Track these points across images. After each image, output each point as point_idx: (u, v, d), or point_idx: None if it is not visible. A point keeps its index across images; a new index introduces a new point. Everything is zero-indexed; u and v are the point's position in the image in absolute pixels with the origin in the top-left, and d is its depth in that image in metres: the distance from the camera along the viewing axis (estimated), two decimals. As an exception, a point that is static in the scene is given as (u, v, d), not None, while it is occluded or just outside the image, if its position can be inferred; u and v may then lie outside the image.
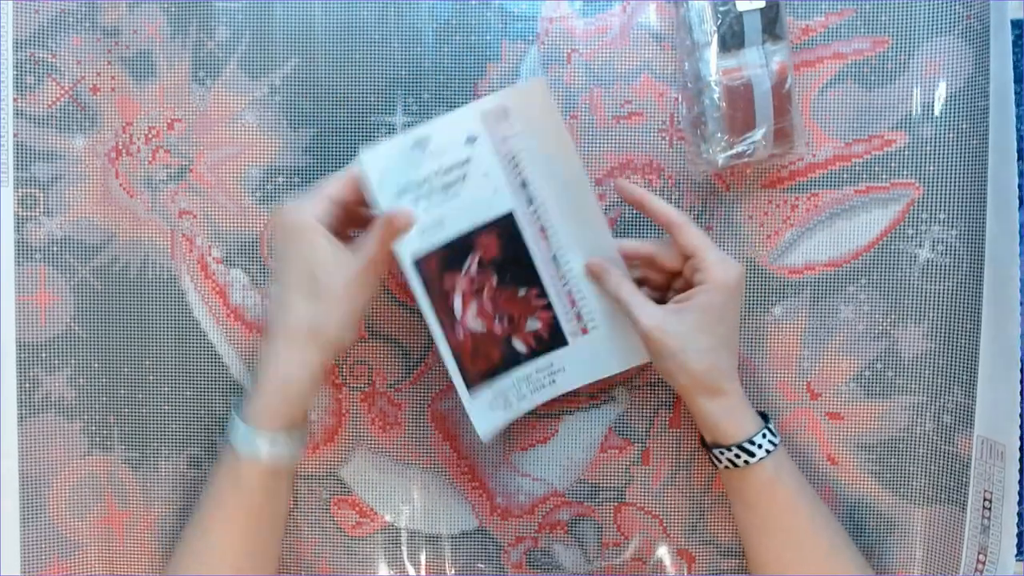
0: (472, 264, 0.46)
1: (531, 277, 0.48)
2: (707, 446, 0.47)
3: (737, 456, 0.45)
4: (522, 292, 0.48)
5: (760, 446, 0.45)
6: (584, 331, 0.49)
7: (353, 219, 0.46)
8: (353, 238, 0.45)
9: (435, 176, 0.44)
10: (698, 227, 0.45)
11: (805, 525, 0.46)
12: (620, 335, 0.48)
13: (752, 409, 0.46)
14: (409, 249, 0.44)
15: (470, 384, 0.47)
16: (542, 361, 0.49)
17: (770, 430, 0.45)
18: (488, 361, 0.48)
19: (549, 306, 0.48)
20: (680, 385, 0.45)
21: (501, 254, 0.47)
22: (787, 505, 0.46)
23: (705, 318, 0.44)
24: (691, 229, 0.45)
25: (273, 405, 0.44)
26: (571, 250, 0.47)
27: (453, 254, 0.46)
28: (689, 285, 0.46)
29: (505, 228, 0.47)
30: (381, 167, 0.43)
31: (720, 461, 0.46)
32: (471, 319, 0.47)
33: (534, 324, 0.48)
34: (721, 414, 0.45)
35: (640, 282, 0.48)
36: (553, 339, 0.49)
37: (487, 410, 0.48)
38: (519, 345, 0.48)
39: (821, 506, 0.47)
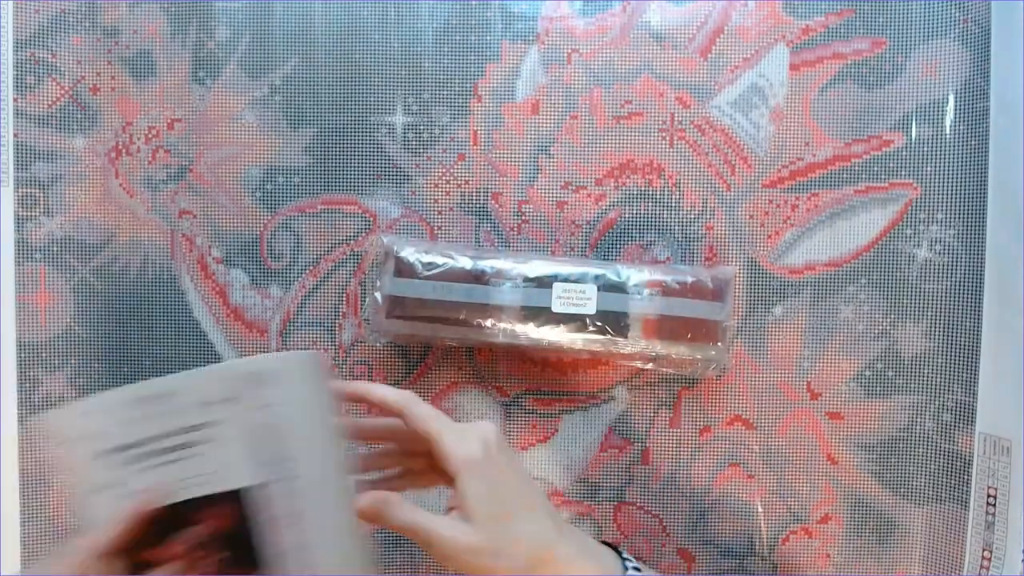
0: (190, 536, 0.37)
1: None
2: None
3: None
4: None
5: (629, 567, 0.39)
6: None
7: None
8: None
9: (161, 437, 0.36)
10: (426, 405, 0.39)
11: None
12: None
13: (596, 543, 0.40)
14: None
15: None
16: None
17: (622, 556, 0.40)
18: None
19: None
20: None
21: (234, 531, 0.38)
22: None
23: (488, 507, 0.37)
24: (417, 410, 0.39)
25: None
26: (322, 546, 0.38)
27: (160, 526, 0.37)
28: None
29: (237, 504, 0.37)
30: (87, 428, 0.35)
31: None
32: None
33: None
34: (572, 564, 0.38)
35: (404, 475, 0.43)
36: None
37: None
38: None
39: None
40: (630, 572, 0.39)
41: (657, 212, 0.51)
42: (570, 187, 0.51)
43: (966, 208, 0.49)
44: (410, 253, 0.48)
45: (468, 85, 0.51)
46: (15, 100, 0.50)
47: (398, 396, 0.39)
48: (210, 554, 0.37)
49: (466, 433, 0.39)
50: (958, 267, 0.50)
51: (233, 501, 0.37)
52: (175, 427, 0.36)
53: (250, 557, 0.38)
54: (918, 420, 0.51)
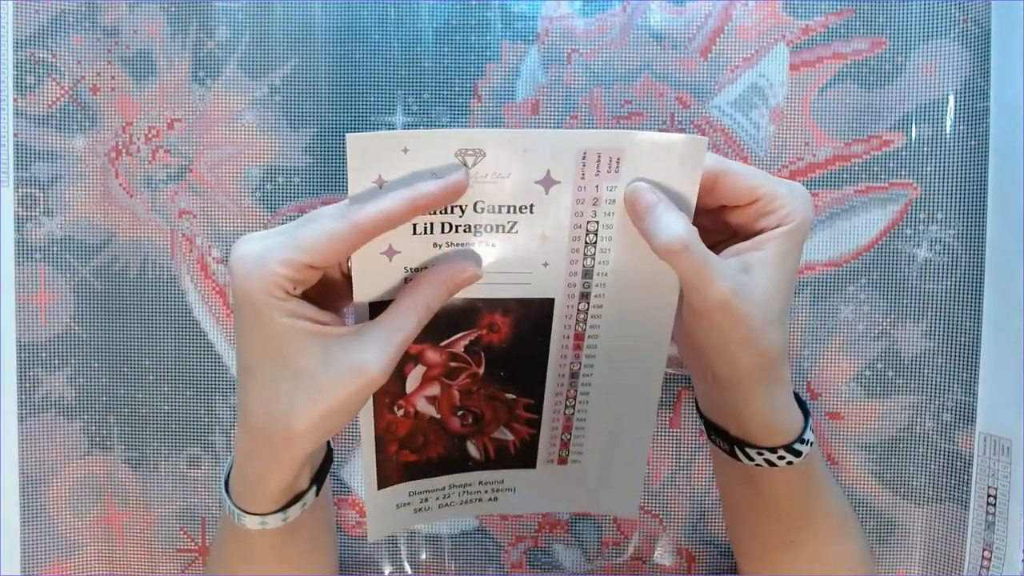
0: (461, 341, 0.34)
1: (531, 384, 0.36)
2: (729, 440, 0.37)
3: (781, 458, 0.36)
4: (510, 396, 0.36)
5: (808, 442, 0.36)
6: (562, 461, 0.38)
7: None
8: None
9: (479, 210, 0.30)
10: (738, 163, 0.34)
11: (835, 529, 0.40)
12: (607, 479, 0.38)
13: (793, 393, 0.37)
14: (377, 288, 0.32)
15: (386, 479, 0.36)
16: (492, 475, 0.38)
17: (808, 415, 0.37)
18: (422, 455, 0.37)
19: (535, 423, 0.37)
20: (738, 372, 0.34)
21: (509, 343, 0.34)
22: (821, 507, 0.39)
23: (780, 276, 0.33)
24: (735, 166, 0.34)
25: (251, 495, 0.35)
26: (605, 376, 0.36)
27: (442, 317, 0.32)
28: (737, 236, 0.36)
29: (532, 314, 0.33)
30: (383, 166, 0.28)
31: (752, 460, 0.36)
32: (422, 401, 0.35)
33: (505, 435, 0.37)
34: (775, 409, 0.35)
35: None
36: (519, 458, 0.38)
37: (392, 509, 0.37)
38: (472, 450, 0.37)
39: (843, 497, 0.43)
40: (805, 450, 0.36)
41: (657, 212, 0.51)
42: (570, 187, 0.51)
43: (966, 208, 0.49)
44: None
45: (468, 85, 0.51)
46: (15, 100, 0.50)
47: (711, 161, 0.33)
48: (474, 361, 0.34)
49: (798, 189, 0.34)
50: (958, 267, 0.50)
51: (521, 310, 0.33)
52: (506, 200, 0.29)
53: (514, 376, 0.34)
54: (918, 420, 0.51)
